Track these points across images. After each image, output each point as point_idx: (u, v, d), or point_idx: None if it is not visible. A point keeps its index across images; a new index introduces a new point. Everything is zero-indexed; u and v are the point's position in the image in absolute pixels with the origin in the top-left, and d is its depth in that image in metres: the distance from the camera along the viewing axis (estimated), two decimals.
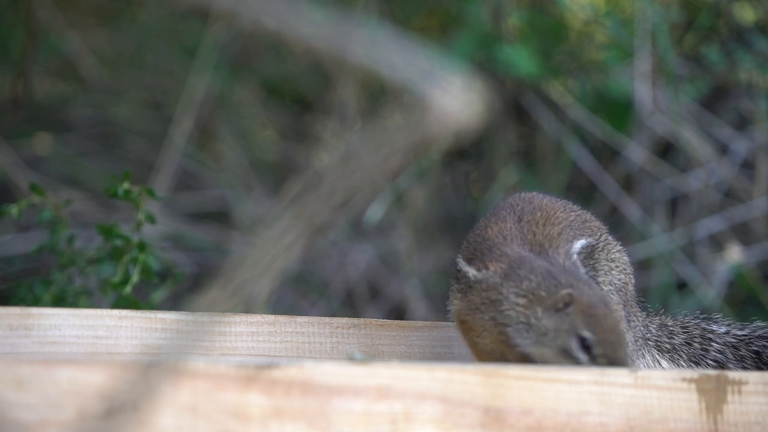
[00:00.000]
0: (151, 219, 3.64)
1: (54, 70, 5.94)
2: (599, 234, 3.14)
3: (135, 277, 3.62)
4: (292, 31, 1.92)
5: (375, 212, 5.08)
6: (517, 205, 3.08)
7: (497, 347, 2.94)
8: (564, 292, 2.86)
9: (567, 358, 2.85)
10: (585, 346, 2.85)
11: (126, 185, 3.60)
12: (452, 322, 3.03)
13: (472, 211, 5.42)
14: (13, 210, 3.66)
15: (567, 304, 2.86)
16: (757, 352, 3.21)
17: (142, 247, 3.64)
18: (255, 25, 1.94)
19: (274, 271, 2.04)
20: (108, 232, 3.66)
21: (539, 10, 5.49)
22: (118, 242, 3.66)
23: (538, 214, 3.06)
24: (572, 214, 3.11)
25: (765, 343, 3.22)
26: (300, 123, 5.89)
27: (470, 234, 3.06)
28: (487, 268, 2.95)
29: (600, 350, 2.83)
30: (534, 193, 3.15)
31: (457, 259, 3.01)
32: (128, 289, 3.61)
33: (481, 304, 2.93)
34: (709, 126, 5.15)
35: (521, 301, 2.89)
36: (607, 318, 2.86)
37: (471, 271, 2.96)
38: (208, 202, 5.70)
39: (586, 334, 2.84)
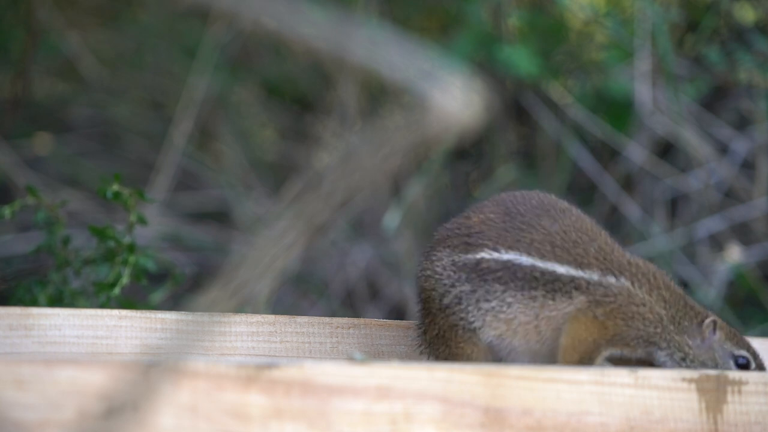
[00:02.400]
0: (142, 221, 3.63)
1: (54, 70, 5.94)
2: None
3: (124, 279, 3.62)
4: (292, 31, 1.92)
5: (392, 219, 5.09)
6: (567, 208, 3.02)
7: (585, 354, 2.91)
8: (708, 320, 2.91)
9: None
10: (740, 365, 2.93)
11: (116, 187, 3.59)
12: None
13: None
14: (6, 212, 3.66)
15: (712, 333, 2.93)
16: None
17: (131, 249, 3.63)
18: (255, 25, 1.94)
19: (274, 271, 2.04)
20: (101, 234, 3.66)
21: (539, 10, 5.49)
22: (111, 244, 3.65)
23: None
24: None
25: None
26: (300, 123, 5.89)
27: (558, 235, 2.92)
28: (619, 275, 2.90)
29: (756, 362, 2.94)
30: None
31: (548, 266, 2.88)
32: (116, 291, 3.60)
33: (632, 317, 2.88)
34: (709, 126, 5.15)
35: (671, 327, 2.91)
36: (737, 331, 2.96)
37: (599, 277, 2.88)
38: (208, 202, 5.70)
39: (741, 353, 2.92)
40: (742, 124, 5.19)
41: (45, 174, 5.55)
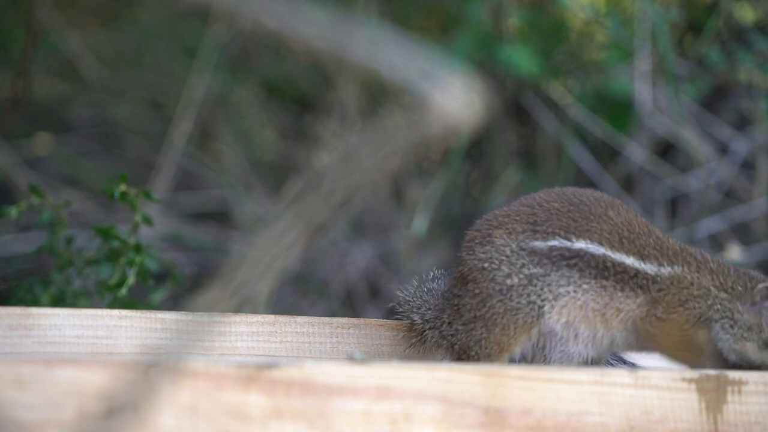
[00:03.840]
0: (148, 221, 3.63)
1: (54, 70, 5.94)
2: None
3: (131, 280, 3.62)
4: (292, 31, 1.92)
5: (420, 224, 5.09)
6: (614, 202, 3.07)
7: (689, 346, 2.96)
8: (761, 285, 2.96)
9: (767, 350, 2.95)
10: None
11: (123, 187, 3.59)
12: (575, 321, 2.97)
13: (472, 211, 5.42)
14: (12, 212, 3.66)
15: (764, 298, 2.96)
16: None
17: (138, 249, 3.63)
18: (255, 25, 1.94)
19: (274, 271, 2.04)
20: (105, 234, 3.66)
21: (539, 10, 5.49)
22: (116, 244, 3.65)
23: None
24: None
25: None
26: (300, 123, 5.89)
27: (614, 228, 2.98)
28: (672, 263, 2.97)
29: None
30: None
31: (617, 257, 2.95)
32: (124, 291, 3.61)
33: (686, 300, 2.95)
34: (709, 126, 5.15)
35: (723, 295, 2.96)
36: None
37: (657, 269, 2.96)
38: (208, 202, 5.70)
39: None
40: (742, 124, 5.19)
41: (45, 174, 5.55)
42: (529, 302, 2.93)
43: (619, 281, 2.95)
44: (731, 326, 2.96)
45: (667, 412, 2.69)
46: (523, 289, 2.93)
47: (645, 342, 2.98)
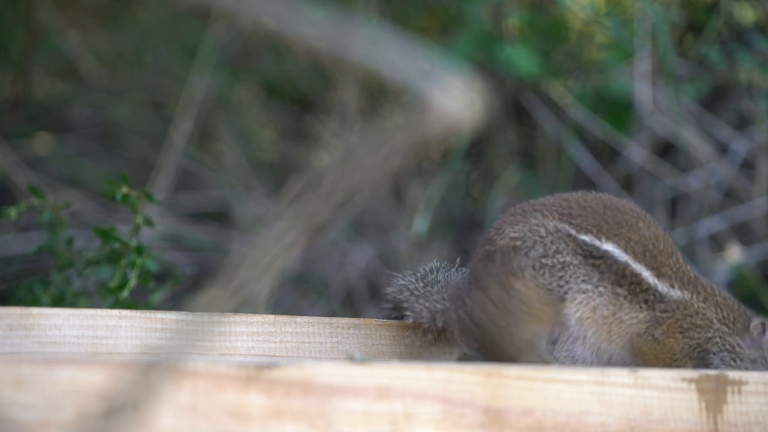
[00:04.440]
0: (149, 223, 3.63)
1: (54, 70, 5.94)
2: None
3: (132, 281, 3.61)
4: (292, 31, 1.92)
5: (421, 224, 5.09)
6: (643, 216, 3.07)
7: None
8: (756, 322, 3.00)
9: None
10: None
11: (124, 189, 3.59)
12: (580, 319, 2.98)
13: (472, 211, 5.42)
14: (12, 212, 3.65)
15: (761, 333, 3.00)
16: None
17: (140, 251, 3.63)
18: (255, 25, 1.94)
19: (274, 271, 2.04)
20: (106, 235, 3.65)
21: (539, 10, 5.49)
22: (116, 245, 3.64)
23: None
24: None
25: None
26: (300, 123, 5.89)
27: (639, 238, 2.99)
28: (683, 288, 2.98)
29: None
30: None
31: (637, 268, 2.96)
32: (125, 293, 3.60)
33: (687, 328, 2.97)
34: (709, 126, 5.15)
35: (724, 329, 2.99)
36: None
37: (667, 290, 2.98)
38: (208, 202, 5.70)
39: None
40: (742, 124, 5.19)
41: (45, 174, 5.55)
42: (559, 285, 2.93)
43: (631, 292, 2.96)
44: (733, 359, 2.99)
45: (667, 412, 2.69)
46: (556, 273, 2.93)
47: (634, 360, 2.99)
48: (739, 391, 2.74)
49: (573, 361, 2.97)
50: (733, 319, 3.00)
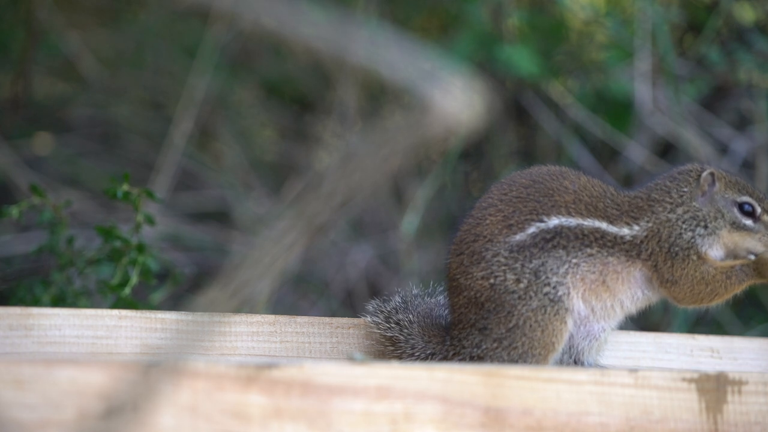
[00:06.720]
0: (150, 221, 3.63)
1: (54, 70, 5.94)
2: None
3: (134, 279, 3.62)
4: (292, 31, 1.92)
5: (410, 223, 5.09)
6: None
7: (710, 279, 2.96)
8: (705, 173, 2.97)
9: (740, 230, 2.95)
10: (745, 211, 2.97)
11: (125, 187, 3.59)
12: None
13: None
14: (14, 212, 3.66)
15: (711, 183, 2.97)
16: None
17: (141, 249, 3.63)
18: (255, 25, 1.94)
19: (274, 271, 2.04)
20: (107, 234, 3.66)
21: (539, 10, 5.49)
22: (117, 244, 3.65)
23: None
24: None
25: None
26: (300, 123, 5.89)
27: (577, 200, 2.99)
28: (636, 220, 2.98)
29: (762, 206, 2.97)
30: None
31: (589, 223, 2.96)
32: (127, 291, 3.61)
33: (676, 253, 2.95)
34: (709, 126, 5.15)
35: (679, 210, 2.96)
36: (741, 178, 3.01)
37: (628, 231, 2.97)
38: (208, 202, 5.70)
39: (743, 198, 2.97)
40: (742, 124, 5.19)
41: (45, 174, 5.55)
42: (546, 295, 2.93)
43: (603, 246, 2.96)
44: (704, 227, 2.97)
45: (667, 412, 2.69)
46: (535, 286, 2.93)
47: (648, 287, 2.99)
48: (739, 391, 2.74)
49: (594, 337, 2.98)
50: (678, 194, 2.98)
